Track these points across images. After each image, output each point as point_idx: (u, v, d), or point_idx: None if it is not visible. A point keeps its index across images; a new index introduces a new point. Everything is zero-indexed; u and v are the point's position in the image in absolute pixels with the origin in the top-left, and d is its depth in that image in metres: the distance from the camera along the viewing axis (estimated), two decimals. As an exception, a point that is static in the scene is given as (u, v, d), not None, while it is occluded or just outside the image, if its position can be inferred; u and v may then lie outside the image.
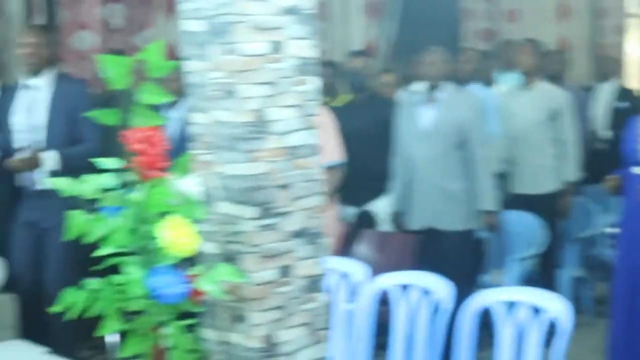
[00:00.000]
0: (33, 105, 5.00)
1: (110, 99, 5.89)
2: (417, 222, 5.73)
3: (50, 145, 5.00)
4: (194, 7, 3.24)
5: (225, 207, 3.26)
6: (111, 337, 5.15)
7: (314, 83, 3.35)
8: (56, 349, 4.93)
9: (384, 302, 4.23)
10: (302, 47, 3.29)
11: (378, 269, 4.44)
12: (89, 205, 3.13)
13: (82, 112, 5.01)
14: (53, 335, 5.24)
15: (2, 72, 6.24)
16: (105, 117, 3.07)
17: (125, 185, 3.13)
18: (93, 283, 3.12)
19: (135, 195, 3.05)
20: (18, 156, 4.86)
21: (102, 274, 3.17)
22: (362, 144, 6.10)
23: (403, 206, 5.78)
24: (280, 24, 3.20)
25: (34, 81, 5.00)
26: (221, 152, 3.22)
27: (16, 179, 5.06)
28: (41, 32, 5.13)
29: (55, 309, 3.14)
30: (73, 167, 4.87)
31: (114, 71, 2.97)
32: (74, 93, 5.03)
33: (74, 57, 6.76)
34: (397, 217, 5.83)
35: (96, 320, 5.30)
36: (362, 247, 5.70)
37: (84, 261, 5.20)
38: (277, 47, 3.20)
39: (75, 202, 4.92)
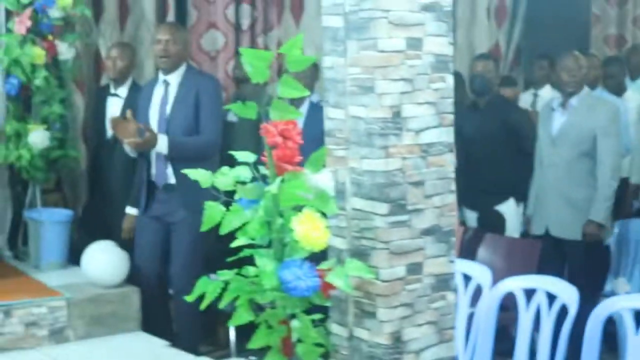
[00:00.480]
0: (165, 100, 5.11)
1: (242, 96, 6.01)
2: (539, 227, 5.68)
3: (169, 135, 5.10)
4: (334, 3, 3.25)
5: (357, 203, 3.26)
6: (232, 334, 5.25)
7: (449, 81, 3.34)
8: (177, 343, 5.04)
9: (502, 308, 4.21)
10: (440, 44, 3.28)
11: (500, 273, 4.41)
12: (225, 197, 3.18)
13: (207, 106, 5.12)
14: (174, 328, 5.35)
15: (134, 69, 6.38)
16: (244, 110, 3.11)
17: (261, 178, 3.17)
18: (225, 274, 3.16)
19: (270, 188, 3.08)
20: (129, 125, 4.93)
21: (233, 265, 3.22)
22: (483, 147, 6.06)
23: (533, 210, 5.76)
24: (419, 20, 3.20)
25: (168, 77, 5.11)
26: (356, 148, 3.23)
27: (151, 174, 5.18)
28: (173, 29, 5.25)
29: (188, 298, 3.20)
30: (185, 156, 4.97)
31: (254, 65, 3.01)
32: (201, 87, 5.13)
33: (204, 56, 6.87)
34: (529, 221, 5.80)
35: (217, 315, 5.42)
36: (484, 250, 5.66)
37: (212, 254, 5.35)
38: (415, 43, 3.19)
39: (203, 196, 5.05)
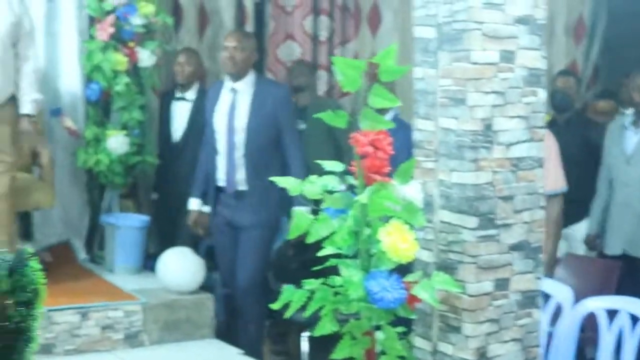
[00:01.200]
0: (233, 107, 5.13)
1: (316, 107, 6.01)
2: (614, 247, 5.60)
3: (249, 146, 5.11)
4: (426, 14, 3.24)
5: (446, 216, 3.24)
6: (304, 344, 5.24)
7: (541, 95, 3.30)
8: (248, 351, 5.04)
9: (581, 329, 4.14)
10: (532, 57, 3.25)
11: (578, 293, 4.34)
12: (313, 205, 3.18)
13: (286, 117, 5.13)
14: (245, 337, 5.35)
15: (201, 74, 6.43)
16: (334, 119, 3.10)
17: (349, 188, 3.16)
18: (311, 283, 3.15)
19: (358, 198, 3.06)
20: None
21: (307, 275, 3.21)
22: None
23: (599, 229, 5.66)
24: (513, 33, 3.17)
25: (236, 84, 5.13)
26: (445, 160, 3.21)
27: (218, 179, 5.20)
28: (239, 36, 5.26)
29: (274, 307, 3.19)
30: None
31: (346, 73, 3.00)
32: (275, 97, 5.14)
33: (280, 67, 6.89)
34: (591, 240, 5.71)
35: (289, 326, 5.41)
36: (562, 269, 5.58)
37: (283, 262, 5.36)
38: (508, 56, 3.17)
39: (270, 203, 5.07)
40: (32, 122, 5.12)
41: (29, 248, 1.85)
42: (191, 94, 6.08)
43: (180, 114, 6.07)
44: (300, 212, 3.14)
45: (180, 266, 5.31)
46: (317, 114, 3.16)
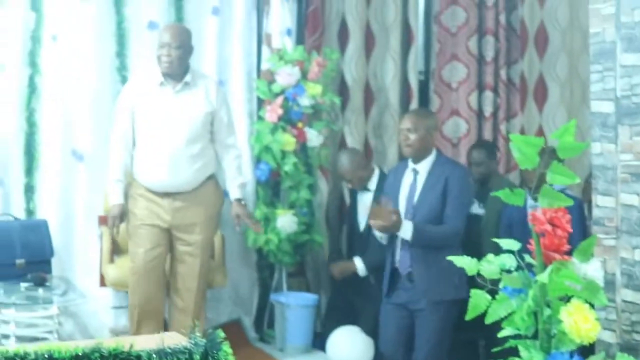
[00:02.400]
0: (414, 188, 5.11)
1: (486, 183, 5.95)
2: None
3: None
4: (604, 88, 3.17)
5: (628, 295, 3.13)
6: None
7: None
8: None
9: None
10: None
11: None
12: (489, 285, 3.12)
13: (454, 194, 5.06)
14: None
15: (377, 155, 6.47)
16: (511, 197, 3.06)
17: (526, 267, 3.09)
18: (490, 364, 3.09)
19: (538, 277, 2.99)
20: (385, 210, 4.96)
21: (496, 356, 3.14)
22: None
23: None
24: (696, 106, 3.07)
25: (417, 165, 5.11)
26: (627, 237, 3.11)
27: (396, 260, 5.16)
28: (414, 117, 5.22)
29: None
30: (427, 244, 4.94)
31: (523, 151, 2.96)
32: (450, 175, 5.08)
33: (446, 143, 6.87)
34: None
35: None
36: None
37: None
38: (692, 129, 3.07)
39: (443, 285, 4.99)
40: (242, 205, 5.51)
41: (221, 332, 1.88)
42: (372, 184, 6.05)
43: (365, 204, 6.04)
44: (477, 292, 3.09)
45: (350, 345, 5.30)
46: (495, 193, 3.12)
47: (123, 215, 5.32)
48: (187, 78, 5.32)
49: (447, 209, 5.05)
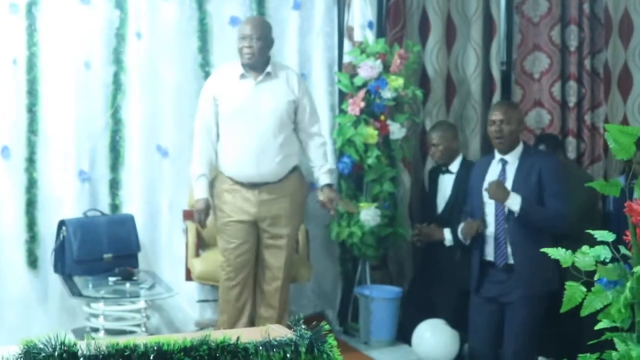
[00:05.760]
0: (502, 178, 5.07)
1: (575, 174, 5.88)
2: None
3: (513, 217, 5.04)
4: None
5: None
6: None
7: None
8: None
9: None
10: None
11: None
12: (585, 277, 3.08)
13: (550, 186, 5.01)
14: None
15: (459, 147, 6.42)
16: (606, 188, 3.01)
17: (623, 258, 3.04)
18: (587, 358, 3.04)
19: (635, 269, 2.94)
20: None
21: (593, 349, 3.09)
22: None
23: None
24: None
25: (505, 156, 5.08)
26: None
27: (486, 253, 5.13)
28: (504, 108, 5.19)
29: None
30: (533, 221, 4.90)
31: (619, 141, 2.91)
32: (543, 167, 5.03)
33: (528, 134, 6.79)
34: None
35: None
36: None
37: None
38: None
39: (539, 276, 4.93)
40: (333, 189, 5.59)
41: (326, 324, 1.88)
42: (454, 166, 6.02)
43: (445, 187, 6.04)
44: (573, 284, 3.04)
45: (436, 338, 5.28)
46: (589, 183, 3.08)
47: (208, 209, 5.38)
48: (269, 69, 5.35)
49: (548, 197, 5.01)
